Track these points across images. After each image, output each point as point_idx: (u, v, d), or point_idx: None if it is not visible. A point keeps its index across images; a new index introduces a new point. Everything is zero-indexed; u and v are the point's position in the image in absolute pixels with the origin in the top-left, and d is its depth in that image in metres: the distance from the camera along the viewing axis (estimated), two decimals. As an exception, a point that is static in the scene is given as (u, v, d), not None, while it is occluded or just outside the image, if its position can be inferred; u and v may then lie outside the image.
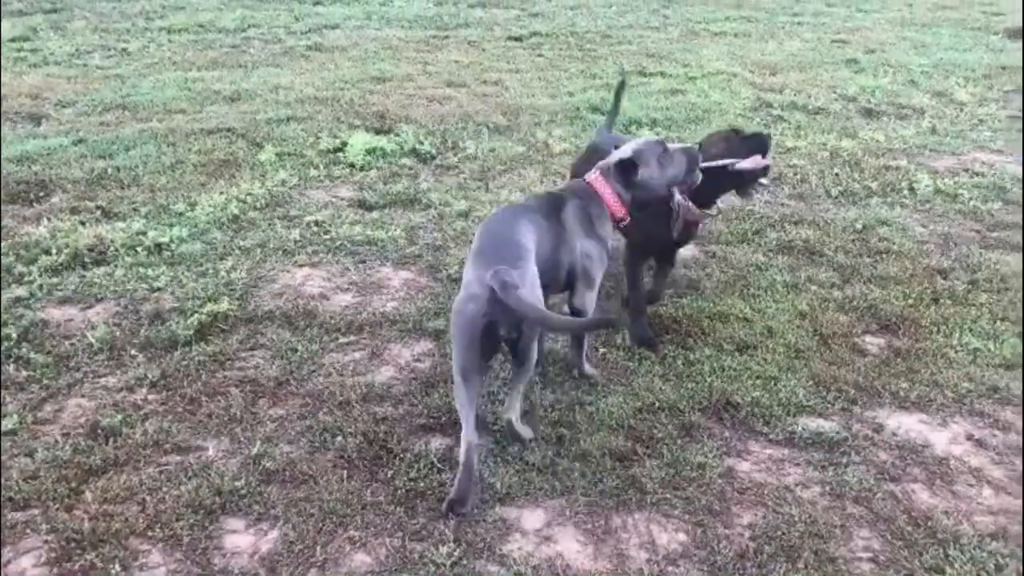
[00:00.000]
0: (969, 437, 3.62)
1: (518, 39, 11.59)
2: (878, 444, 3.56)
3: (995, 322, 4.51)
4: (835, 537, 3.05)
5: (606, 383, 3.95)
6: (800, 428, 3.62)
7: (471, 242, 5.36)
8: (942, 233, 5.71)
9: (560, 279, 3.73)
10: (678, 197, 3.90)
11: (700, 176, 3.90)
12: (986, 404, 3.83)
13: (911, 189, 6.45)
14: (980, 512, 3.19)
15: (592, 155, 4.38)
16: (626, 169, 3.75)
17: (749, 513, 3.17)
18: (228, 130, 7.31)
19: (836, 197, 6.33)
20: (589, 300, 3.80)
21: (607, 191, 3.76)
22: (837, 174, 6.73)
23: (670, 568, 2.92)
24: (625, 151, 3.82)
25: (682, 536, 3.07)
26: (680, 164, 3.83)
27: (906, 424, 3.69)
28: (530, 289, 3.24)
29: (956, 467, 3.42)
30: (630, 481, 3.31)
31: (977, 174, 6.80)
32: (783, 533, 3.05)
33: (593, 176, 3.82)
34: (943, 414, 3.75)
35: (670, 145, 3.89)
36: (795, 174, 6.70)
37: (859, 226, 5.74)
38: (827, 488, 3.30)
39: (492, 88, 8.99)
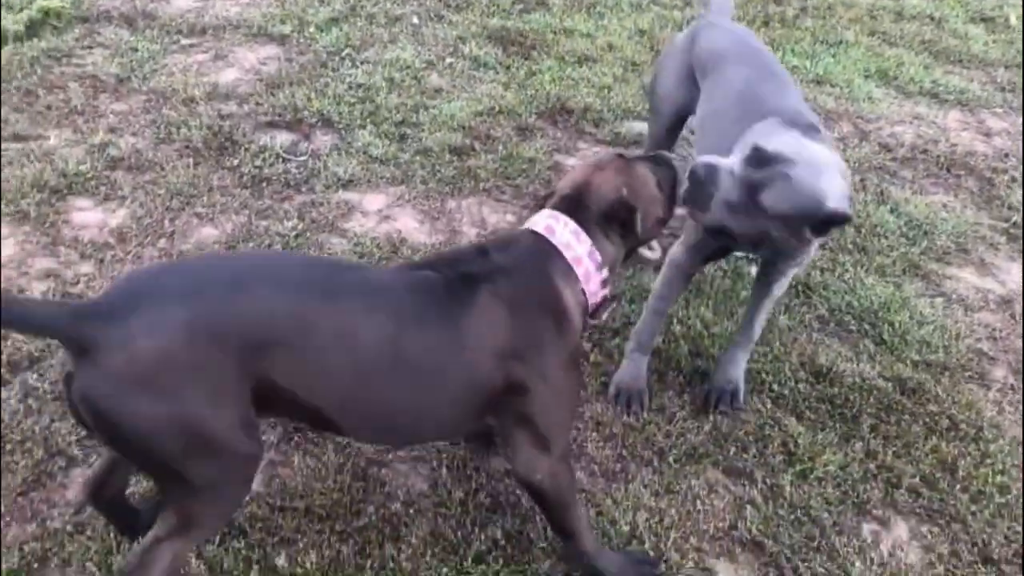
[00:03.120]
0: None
1: None
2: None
3: (815, 44, 4.86)
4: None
5: (450, 89, 4.10)
6: (625, 130, 3.93)
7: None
8: (783, -37, 5.92)
9: None
10: None
11: None
12: (792, 113, 4.22)
13: (762, -81, 6.54)
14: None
15: None
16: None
17: (570, 197, 3.51)
18: None
19: (690, -76, 6.38)
20: None
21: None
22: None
23: (495, 240, 3.26)
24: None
25: (510, 217, 3.39)
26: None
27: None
28: None
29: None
30: (466, 172, 3.57)
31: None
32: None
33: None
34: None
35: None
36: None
37: (707, -48, 5.86)
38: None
39: None
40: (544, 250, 1.99)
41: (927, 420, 2.63)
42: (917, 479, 2.45)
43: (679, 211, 2.25)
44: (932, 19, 5.34)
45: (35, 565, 2.04)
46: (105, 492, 2.01)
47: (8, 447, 2.28)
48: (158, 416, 1.61)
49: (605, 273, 2.03)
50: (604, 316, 2.13)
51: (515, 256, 1.96)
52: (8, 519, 2.12)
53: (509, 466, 2.04)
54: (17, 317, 1.63)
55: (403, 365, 1.79)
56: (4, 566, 2.02)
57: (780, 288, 2.58)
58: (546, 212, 2.07)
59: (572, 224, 2.01)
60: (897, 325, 2.96)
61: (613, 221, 2.05)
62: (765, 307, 2.60)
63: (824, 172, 2.10)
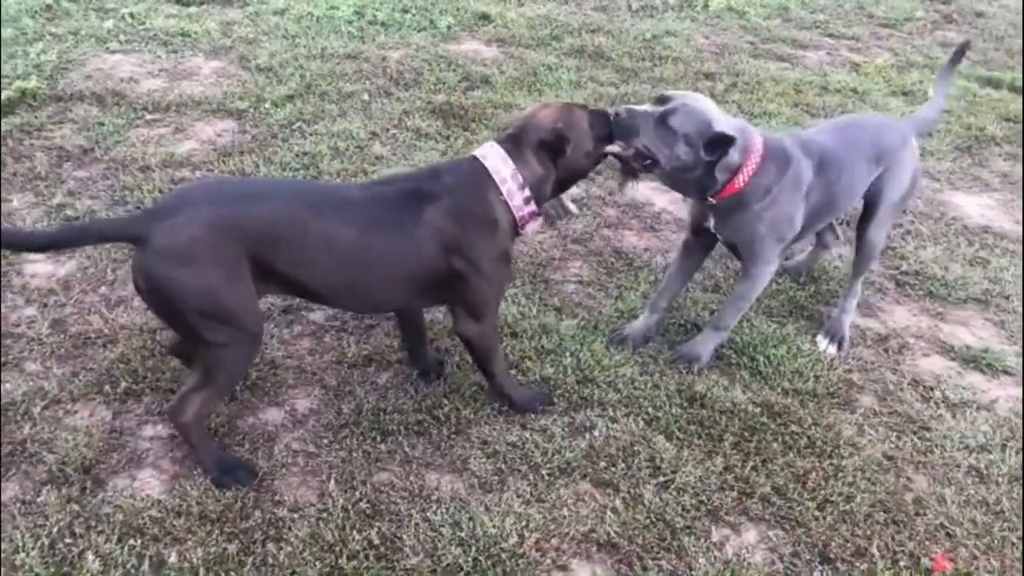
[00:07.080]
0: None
1: None
2: (608, 203, 4.24)
3: (740, 114, 5.22)
4: (553, 265, 3.74)
5: (391, 157, 4.45)
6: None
7: (284, 37, 5.72)
8: (720, 44, 6.36)
9: None
10: None
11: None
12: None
13: (705, 6, 7.05)
14: (671, 249, 3.91)
15: None
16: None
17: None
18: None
19: (636, 11, 6.87)
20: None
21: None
22: (642, -10, 7.24)
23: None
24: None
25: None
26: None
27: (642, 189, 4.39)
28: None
29: (665, 219, 4.15)
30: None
31: (767, -6, 7.45)
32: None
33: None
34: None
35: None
36: (603, -12, 7.17)
37: (648, 36, 6.32)
38: (556, 233, 3.97)
39: None
40: (478, 172, 2.61)
41: (786, 439, 2.86)
42: (769, 489, 2.67)
43: (611, 148, 2.75)
44: (855, 92, 5.73)
45: None
46: (179, 349, 2.81)
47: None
48: (190, 282, 2.30)
49: (527, 192, 2.61)
50: (532, 230, 2.77)
51: (457, 177, 2.60)
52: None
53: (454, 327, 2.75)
54: (98, 232, 2.55)
55: (367, 258, 2.49)
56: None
57: (744, 286, 3.14)
58: (488, 143, 2.68)
59: (501, 151, 2.62)
60: (772, 357, 3.22)
61: (547, 147, 2.63)
62: (730, 300, 3.22)
63: (710, 105, 2.84)
